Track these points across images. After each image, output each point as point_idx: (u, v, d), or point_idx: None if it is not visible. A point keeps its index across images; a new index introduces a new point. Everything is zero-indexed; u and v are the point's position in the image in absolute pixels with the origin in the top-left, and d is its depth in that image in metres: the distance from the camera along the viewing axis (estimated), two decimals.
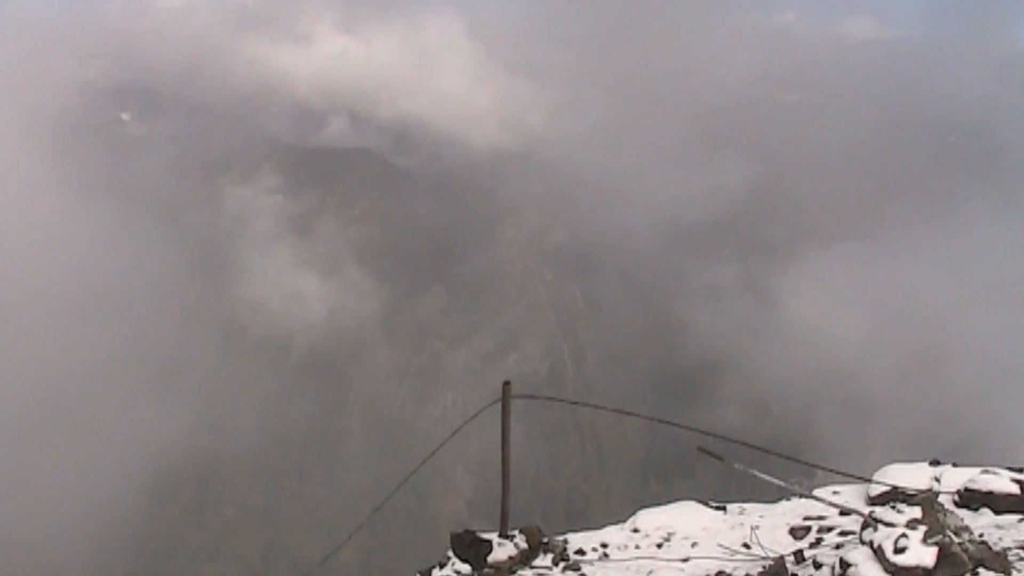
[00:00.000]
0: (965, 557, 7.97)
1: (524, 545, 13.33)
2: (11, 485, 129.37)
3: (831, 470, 12.41)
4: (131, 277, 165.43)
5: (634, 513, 14.34)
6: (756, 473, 11.93)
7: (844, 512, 12.18)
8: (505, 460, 13.92)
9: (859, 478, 12.48)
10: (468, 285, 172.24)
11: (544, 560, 13.17)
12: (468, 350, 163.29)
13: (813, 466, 13.12)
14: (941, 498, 10.37)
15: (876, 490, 12.24)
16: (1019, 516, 11.08)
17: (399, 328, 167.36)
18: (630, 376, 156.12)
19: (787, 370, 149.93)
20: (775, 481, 11.73)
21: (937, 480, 11.87)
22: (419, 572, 13.60)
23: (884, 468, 12.55)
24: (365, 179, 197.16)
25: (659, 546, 13.02)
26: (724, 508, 13.99)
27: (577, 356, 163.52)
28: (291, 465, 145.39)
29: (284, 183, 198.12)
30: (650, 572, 10.29)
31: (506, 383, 13.60)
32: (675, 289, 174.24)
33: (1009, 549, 9.15)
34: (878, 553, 7.61)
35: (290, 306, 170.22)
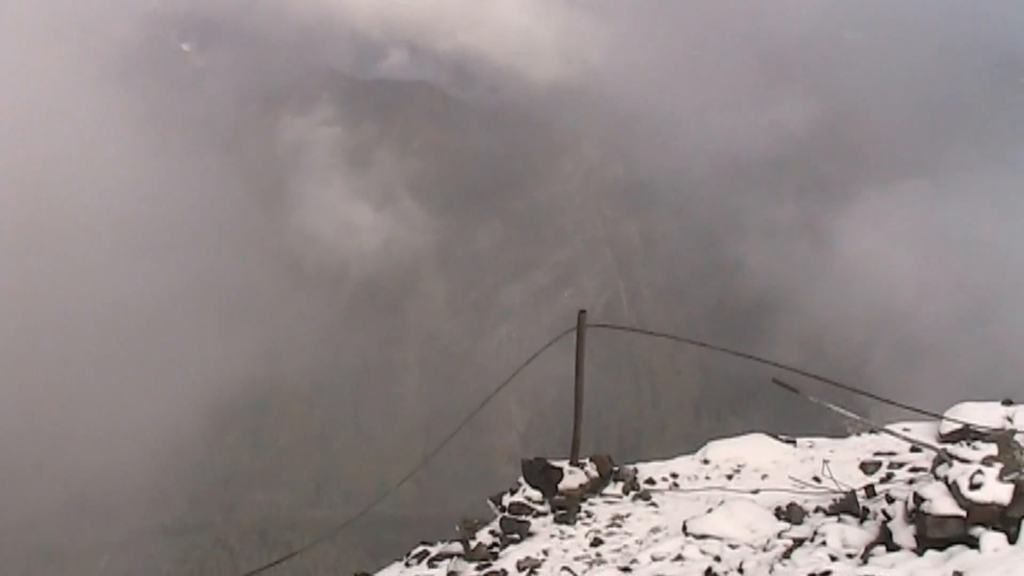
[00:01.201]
0: None
1: (595, 473, 13.50)
2: (81, 412, 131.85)
3: (907, 407, 12.42)
4: (194, 209, 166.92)
5: (703, 445, 14.47)
6: (832, 407, 11.99)
7: (916, 448, 12.20)
8: (578, 389, 14.07)
9: (931, 415, 12.47)
10: (525, 219, 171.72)
11: (614, 489, 13.32)
12: (524, 284, 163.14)
13: (888, 402, 13.11)
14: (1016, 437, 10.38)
15: (947, 428, 12.21)
16: None
17: (454, 261, 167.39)
18: (684, 313, 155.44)
19: (842, 311, 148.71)
20: (852, 415, 11.78)
21: (1009, 420, 11.82)
22: (490, 498, 13.76)
23: (955, 406, 12.51)
24: (423, 112, 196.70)
25: (729, 477, 13.13)
26: (794, 442, 14.05)
27: (632, 292, 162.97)
28: (347, 395, 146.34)
29: (341, 115, 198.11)
30: (720, 503, 10.42)
31: (582, 312, 13.74)
32: (731, 227, 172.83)
33: None
34: (952, 489, 7.64)
35: (344, 237, 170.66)
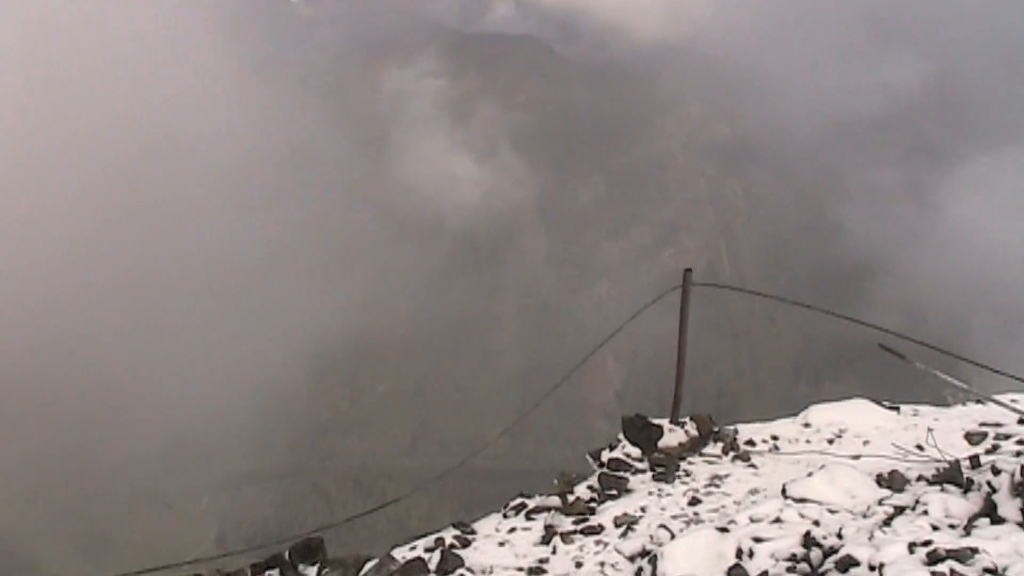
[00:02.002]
0: None
1: (695, 433, 13.55)
2: (183, 357, 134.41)
3: (1015, 377, 12.23)
4: (298, 159, 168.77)
5: (801, 408, 14.40)
6: (939, 374, 11.88)
7: None
8: (681, 348, 14.10)
9: None
10: (627, 176, 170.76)
11: (714, 448, 13.36)
12: (625, 241, 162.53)
13: (995, 371, 12.88)
14: None
15: None
16: None
17: (555, 216, 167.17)
18: (785, 275, 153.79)
19: (944, 276, 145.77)
20: (960, 384, 11.67)
21: None
22: (589, 453, 13.87)
23: None
24: (527, 66, 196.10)
25: (830, 442, 13.08)
26: (897, 408, 13.94)
27: (734, 253, 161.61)
28: (444, 347, 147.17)
29: (445, 67, 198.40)
30: (821, 467, 10.37)
31: (687, 270, 13.74)
32: (834, 188, 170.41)
33: None
34: None
35: (444, 189, 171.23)
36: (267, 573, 9.81)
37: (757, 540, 8.45)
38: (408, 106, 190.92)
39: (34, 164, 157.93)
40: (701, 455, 13.21)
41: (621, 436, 13.67)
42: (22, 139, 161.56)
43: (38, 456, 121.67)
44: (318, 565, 10.21)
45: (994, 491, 8.19)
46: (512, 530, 11.58)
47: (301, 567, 10.23)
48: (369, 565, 10.02)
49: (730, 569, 8.14)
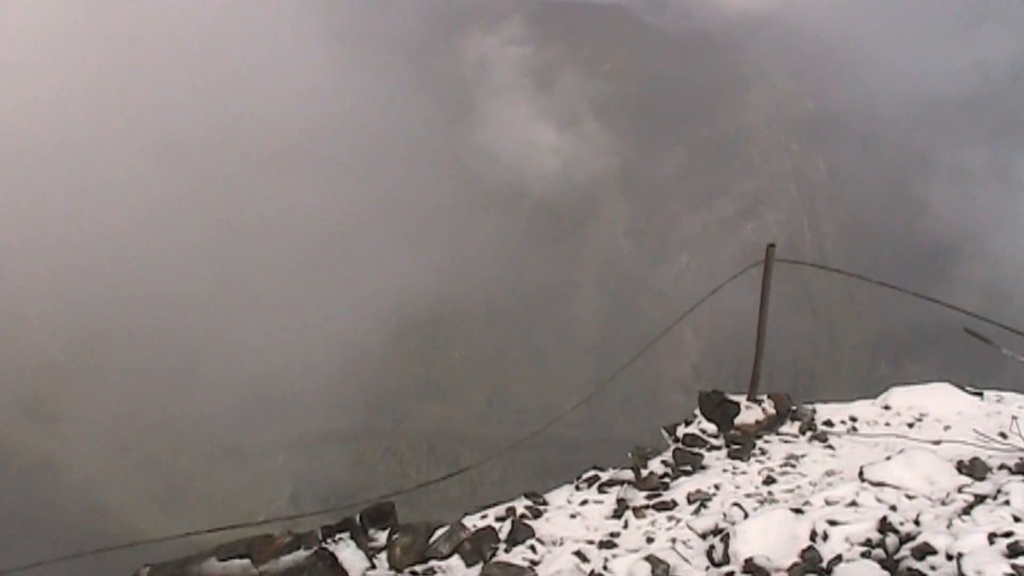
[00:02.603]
0: None
1: (772, 411, 13.41)
2: (265, 317, 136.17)
3: None
4: (381, 124, 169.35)
5: (878, 389, 14.20)
6: None
7: None
8: (761, 325, 13.95)
9: None
10: (711, 148, 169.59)
11: (791, 428, 13.22)
12: (706, 213, 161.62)
13: None
14: None
15: None
16: None
17: (637, 186, 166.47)
18: (867, 253, 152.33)
19: None
20: None
21: None
22: (664, 428, 13.79)
23: None
24: (613, 35, 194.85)
25: (910, 426, 12.88)
26: (981, 394, 13.69)
27: (816, 229, 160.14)
28: (522, 314, 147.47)
29: (530, 34, 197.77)
30: (900, 451, 10.22)
31: (770, 246, 13.57)
32: (919, 167, 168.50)
33: None
34: None
35: (526, 157, 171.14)
36: (338, 536, 9.85)
37: (832, 523, 8.35)
38: (491, 73, 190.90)
39: (125, 126, 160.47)
40: (778, 434, 13.08)
41: (697, 412, 13.59)
42: (116, 103, 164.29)
43: (121, 408, 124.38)
44: (388, 530, 10.25)
45: None
46: (584, 502, 11.55)
47: (372, 531, 10.27)
48: (439, 532, 10.05)
49: (803, 551, 8.06)
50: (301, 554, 9.21)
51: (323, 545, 9.60)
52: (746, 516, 9.53)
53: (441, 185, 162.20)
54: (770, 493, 10.88)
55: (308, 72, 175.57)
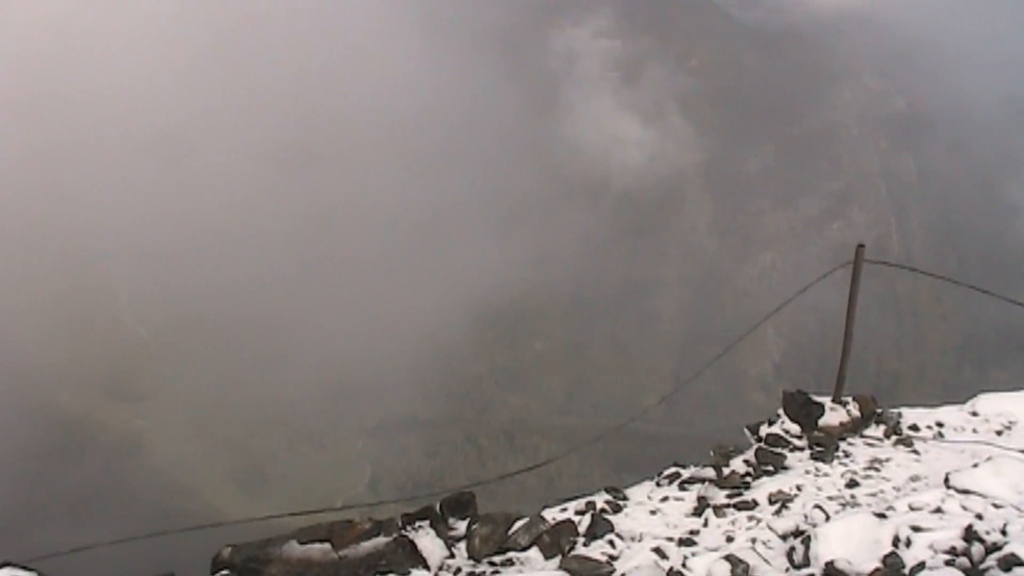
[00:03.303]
0: None
1: (856, 413, 13.29)
2: (351, 305, 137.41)
3: None
4: (471, 117, 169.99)
5: (964, 394, 14.01)
6: None
7: None
8: (849, 326, 13.81)
9: None
10: (797, 146, 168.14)
11: (875, 431, 13.08)
12: (792, 212, 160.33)
13: None
14: None
15: None
16: None
17: (721, 182, 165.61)
18: (955, 255, 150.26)
19: None
20: None
21: None
22: (747, 427, 13.71)
23: None
24: (701, 29, 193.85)
25: (999, 433, 12.69)
26: None
27: (903, 230, 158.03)
28: (604, 307, 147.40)
29: (619, 27, 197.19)
30: (987, 459, 10.07)
31: (860, 246, 13.42)
32: (1011, 169, 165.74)
33: None
34: None
35: (610, 150, 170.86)
36: (418, 523, 9.94)
37: (916, 529, 8.26)
38: (578, 65, 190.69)
39: (221, 118, 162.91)
40: (862, 437, 12.96)
41: (781, 411, 13.48)
42: (213, 96, 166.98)
43: (205, 390, 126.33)
44: (468, 520, 10.31)
45: None
46: (664, 499, 11.55)
47: (451, 520, 10.34)
48: (519, 524, 10.09)
49: (885, 557, 7.98)
50: (381, 540, 9.29)
51: (403, 532, 9.69)
52: (828, 519, 9.46)
53: (527, 177, 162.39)
54: (853, 496, 10.79)
55: (399, 63, 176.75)
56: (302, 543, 8.99)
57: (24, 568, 8.09)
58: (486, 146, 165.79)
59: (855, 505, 10.34)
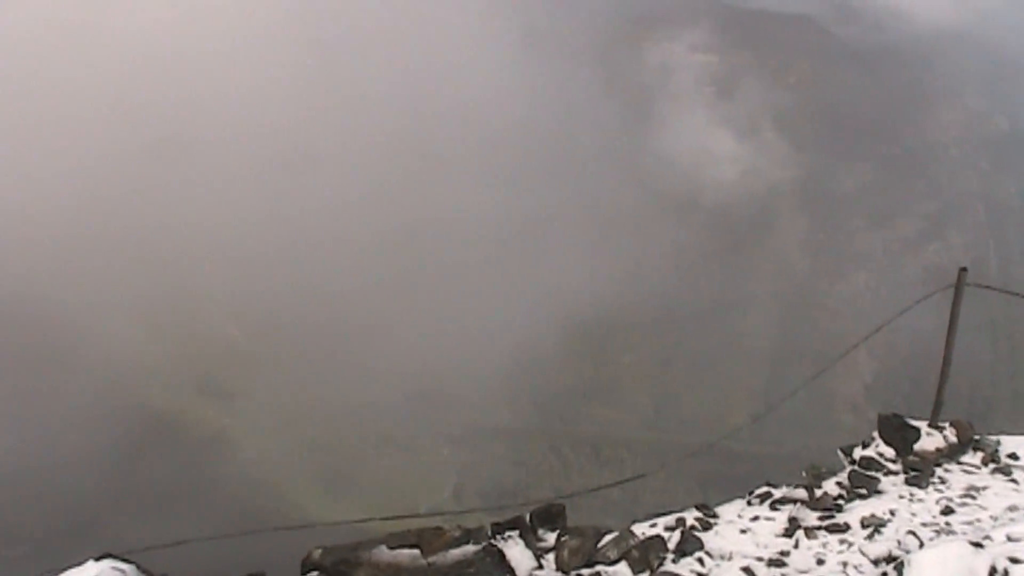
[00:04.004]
0: None
1: (953, 439, 13.15)
2: (438, 313, 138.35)
3: None
4: (564, 129, 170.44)
5: None
6: None
7: None
8: (948, 349, 13.66)
9: None
10: (895, 165, 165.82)
11: (972, 458, 12.93)
12: (888, 232, 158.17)
13: None
14: None
15: None
16: None
17: (815, 200, 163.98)
18: None
19: None
20: None
21: None
22: (841, 449, 13.63)
23: None
24: (800, 45, 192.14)
25: None
26: None
27: (1002, 253, 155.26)
28: (694, 323, 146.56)
29: (714, 42, 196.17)
30: None
31: (963, 269, 13.30)
32: None
33: None
34: None
35: (702, 165, 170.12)
36: (507, 533, 10.01)
37: (1014, 561, 8.12)
38: (673, 79, 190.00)
39: (314, 124, 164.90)
40: (958, 463, 12.80)
41: (875, 434, 13.37)
42: (305, 103, 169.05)
43: (293, 392, 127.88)
44: (558, 532, 10.35)
45: None
46: (755, 518, 11.51)
47: (541, 531, 10.39)
48: (608, 538, 10.12)
49: None
50: (470, 549, 9.38)
51: (492, 541, 9.75)
52: (922, 545, 9.37)
53: (619, 190, 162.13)
54: (948, 524, 10.66)
55: (492, 73, 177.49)
56: (391, 548, 9.11)
57: (123, 559, 8.30)
58: (580, 158, 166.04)
59: (950, 533, 10.21)
